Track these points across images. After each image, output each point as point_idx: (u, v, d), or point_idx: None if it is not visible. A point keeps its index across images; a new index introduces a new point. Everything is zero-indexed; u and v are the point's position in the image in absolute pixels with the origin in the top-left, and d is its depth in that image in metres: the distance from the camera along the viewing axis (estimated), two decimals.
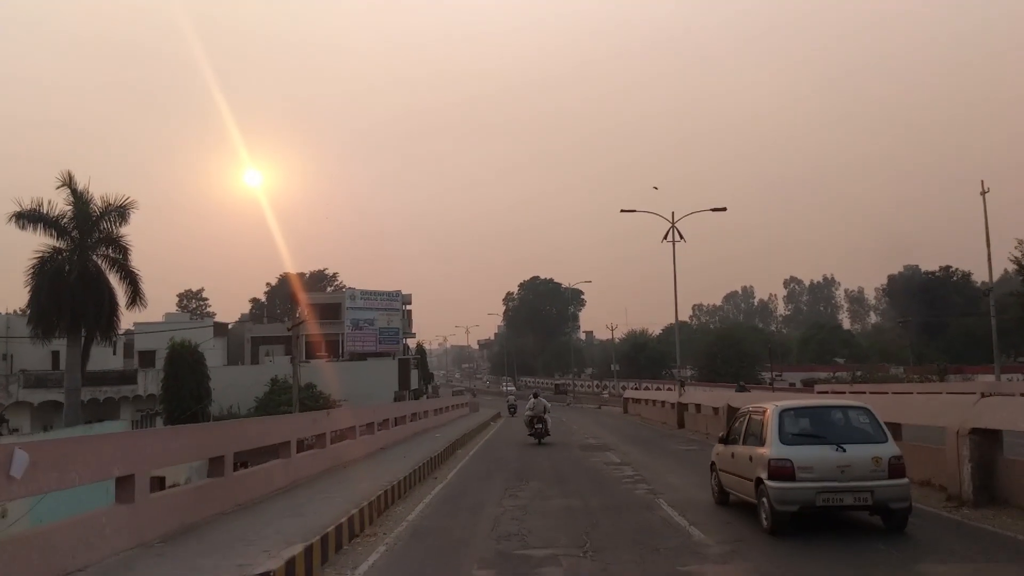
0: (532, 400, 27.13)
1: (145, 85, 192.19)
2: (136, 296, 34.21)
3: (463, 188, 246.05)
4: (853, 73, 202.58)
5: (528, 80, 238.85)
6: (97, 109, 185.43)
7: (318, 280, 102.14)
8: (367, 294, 56.11)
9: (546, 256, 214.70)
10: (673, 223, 33.36)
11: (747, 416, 11.25)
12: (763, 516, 9.74)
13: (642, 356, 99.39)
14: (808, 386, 71.51)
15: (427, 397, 70.34)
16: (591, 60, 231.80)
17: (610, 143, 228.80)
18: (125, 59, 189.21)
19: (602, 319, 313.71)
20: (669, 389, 76.50)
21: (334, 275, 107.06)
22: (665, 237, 33.38)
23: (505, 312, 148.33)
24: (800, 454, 9.47)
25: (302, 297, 70.84)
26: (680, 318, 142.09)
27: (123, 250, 34.83)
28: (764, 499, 9.64)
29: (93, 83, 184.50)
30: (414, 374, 57.58)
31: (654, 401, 40.97)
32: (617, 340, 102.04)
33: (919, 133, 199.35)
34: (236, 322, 76.78)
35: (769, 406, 10.35)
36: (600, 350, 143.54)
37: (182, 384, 38.01)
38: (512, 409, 52.07)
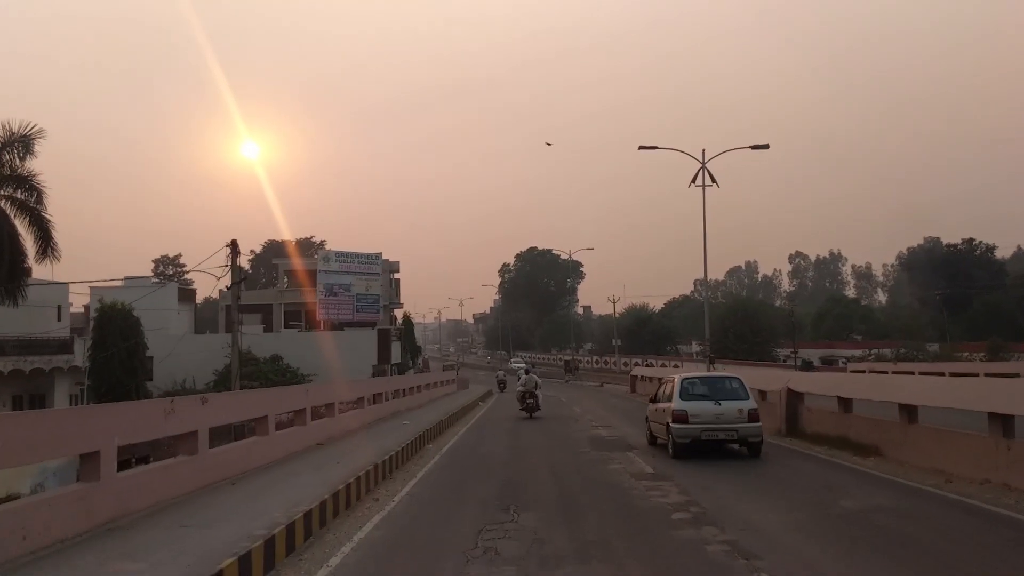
0: (524, 376, 27.99)
1: (137, 51, 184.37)
2: (47, 246, 28.02)
3: (460, 161, 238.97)
4: (862, 30, 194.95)
5: (532, 54, 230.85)
6: (86, 76, 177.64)
7: (305, 248, 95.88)
8: (343, 256, 49.81)
9: (544, 231, 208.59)
10: (704, 163, 27.23)
11: (665, 383, 16.76)
12: (669, 447, 15.19)
13: (645, 331, 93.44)
14: (831, 364, 65.78)
15: (414, 372, 64.57)
16: (597, 35, 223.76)
17: (613, 117, 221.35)
18: (114, 23, 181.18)
19: (600, 294, 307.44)
20: (676, 366, 70.87)
21: (322, 243, 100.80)
22: (694, 180, 27.28)
23: (501, 284, 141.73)
24: (692, 406, 14.82)
25: (297, 263, 64.56)
26: (683, 291, 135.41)
27: (35, 192, 28.66)
28: (670, 435, 15.05)
29: (82, 49, 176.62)
30: (396, 346, 51.48)
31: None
32: (617, 315, 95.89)
33: (932, 102, 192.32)
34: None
35: (676, 376, 16.25)
36: (599, 325, 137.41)
37: (112, 354, 32.07)
38: (502, 385, 50.36)
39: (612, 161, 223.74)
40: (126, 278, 61.45)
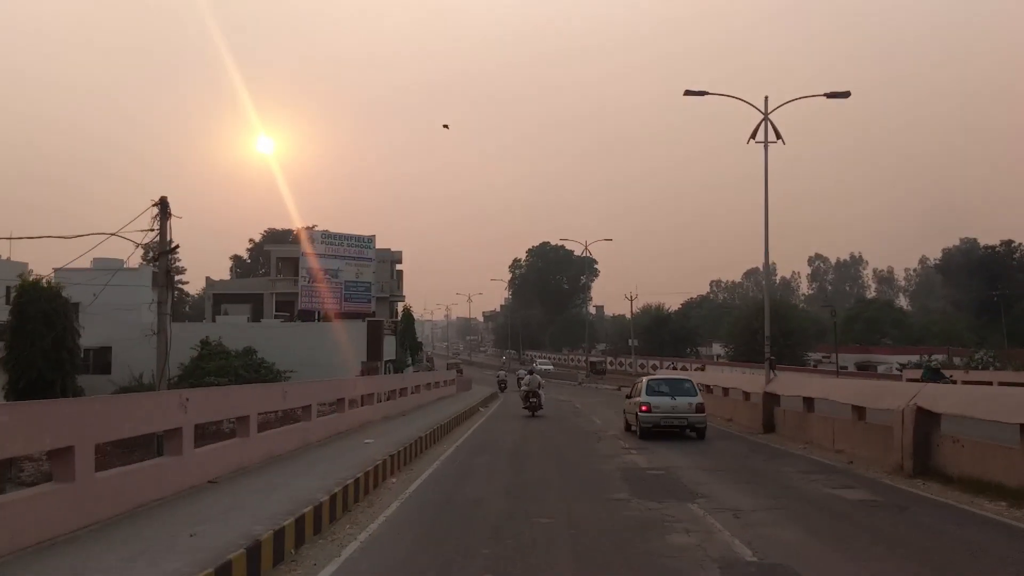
0: (527, 376, 29.11)
1: (150, 43, 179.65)
2: None
3: (471, 155, 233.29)
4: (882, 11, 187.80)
5: (548, 45, 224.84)
6: (103, 63, 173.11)
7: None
8: (330, 237, 44.09)
9: (555, 229, 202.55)
10: (766, 114, 21.42)
11: (636, 383, 21.24)
12: (636, 430, 19.62)
13: (664, 331, 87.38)
14: (866, 370, 59.81)
15: (414, 370, 58.95)
16: (609, 24, 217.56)
17: (626, 111, 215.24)
18: (125, 17, 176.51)
19: (611, 294, 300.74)
20: (697, 369, 64.78)
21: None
22: (754, 135, 21.45)
23: (511, 280, 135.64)
24: (653, 400, 19.11)
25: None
26: (701, 292, 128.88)
27: None
28: (638, 422, 19.29)
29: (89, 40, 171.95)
30: (389, 341, 45.74)
31: (708, 387, 29.08)
32: (632, 315, 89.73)
33: (962, 98, 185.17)
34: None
35: (644, 378, 21.27)
36: (612, 324, 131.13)
37: (32, 342, 26.58)
38: (502, 385, 49.53)
39: (628, 154, 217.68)
40: (95, 260, 56.09)
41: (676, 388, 19.45)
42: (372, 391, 20.54)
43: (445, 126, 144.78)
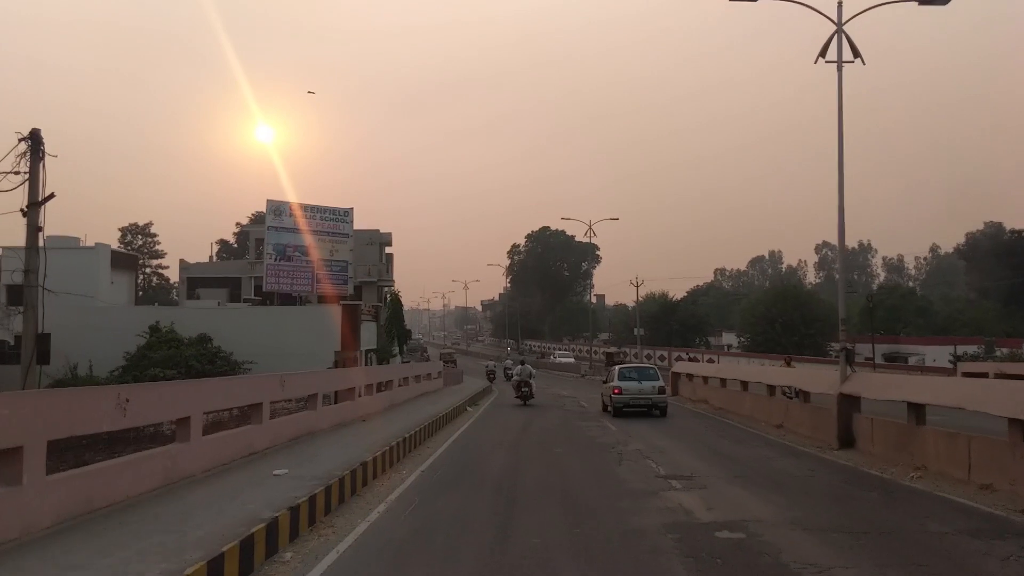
0: (519, 367, 30.48)
1: (148, 33, 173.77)
2: None
3: (470, 137, 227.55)
4: None
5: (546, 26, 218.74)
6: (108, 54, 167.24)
7: None
8: (302, 209, 38.86)
9: (556, 212, 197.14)
10: (840, 26, 16.21)
11: (611, 370, 25.39)
12: (609, 409, 23.38)
13: (672, 320, 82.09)
14: (894, 361, 54.58)
15: (402, 362, 53.92)
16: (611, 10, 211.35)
17: (623, 85, 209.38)
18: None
19: (613, 284, 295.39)
20: (709, 360, 59.72)
21: None
22: (823, 53, 16.24)
23: (510, 267, 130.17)
24: (624, 384, 22.73)
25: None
26: (707, 280, 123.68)
27: None
28: (611, 403, 23.08)
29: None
30: (368, 328, 40.52)
31: (747, 385, 23.72)
32: (635, 303, 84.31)
33: (978, 82, 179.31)
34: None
35: (617, 366, 25.38)
36: (615, 313, 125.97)
37: None
38: (491, 376, 49.11)
39: (631, 135, 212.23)
40: (49, 237, 50.70)
41: (643, 374, 23.73)
42: (315, 391, 15.34)
43: (310, 92, 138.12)
